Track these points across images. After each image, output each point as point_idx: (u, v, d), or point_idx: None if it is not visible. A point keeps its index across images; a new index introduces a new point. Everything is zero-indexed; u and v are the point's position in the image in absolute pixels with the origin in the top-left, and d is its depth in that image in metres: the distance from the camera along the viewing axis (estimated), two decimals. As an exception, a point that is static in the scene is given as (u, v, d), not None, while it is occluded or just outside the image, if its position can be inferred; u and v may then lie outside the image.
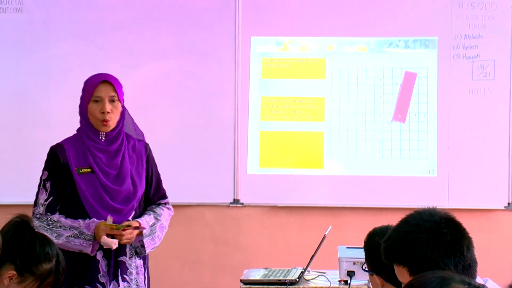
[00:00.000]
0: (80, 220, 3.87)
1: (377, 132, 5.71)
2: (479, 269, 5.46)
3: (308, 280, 4.29)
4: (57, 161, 3.93)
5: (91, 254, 3.86)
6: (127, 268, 3.96)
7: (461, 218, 5.92)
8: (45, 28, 5.73)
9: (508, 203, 5.61)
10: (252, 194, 5.74)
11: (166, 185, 5.73)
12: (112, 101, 3.95)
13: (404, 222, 2.23)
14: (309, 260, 4.33)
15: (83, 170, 3.91)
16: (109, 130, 3.96)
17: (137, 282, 3.98)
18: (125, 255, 3.96)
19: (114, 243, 3.84)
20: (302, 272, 4.31)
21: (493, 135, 5.60)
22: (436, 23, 5.66)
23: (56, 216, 3.89)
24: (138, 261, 4.01)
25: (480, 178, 5.59)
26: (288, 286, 4.17)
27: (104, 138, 3.97)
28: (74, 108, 5.67)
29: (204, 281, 5.80)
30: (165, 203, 4.15)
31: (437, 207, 2.30)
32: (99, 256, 3.90)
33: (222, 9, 5.72)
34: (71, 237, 3.84)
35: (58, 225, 3.88)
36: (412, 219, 2.23)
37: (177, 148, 5.74)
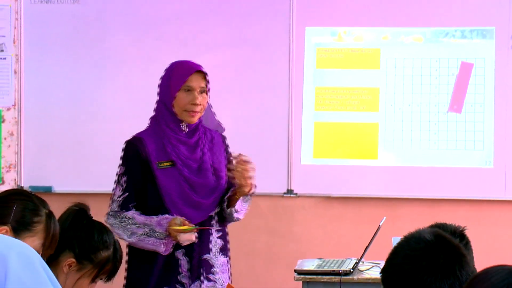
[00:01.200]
0: (153, 216, 3.62)
1: (432, 123, 5.66)
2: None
3: (362, 271, 4.29)
4: (137, 155, 3.68)
5: (164, 253, 3.62)
6: (212, 267, 3.74)
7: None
8: (100, 20, 5.78)
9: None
10: (306, 184, 5.73)
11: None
12: (201, 92, 3.75)
13: (394, 253, 2.19)
14: (363, 251, 4.32)
15: (163, 164, 3.67)
16: (194, 122, 3.74)
17: (222, 282, 3.77)
18: (209, 253, 3.74)
19: (193, 236, 3.60)
20: (356, 263, 4.31)
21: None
22: (494, 12, 5.59)
23: (130, 213, 3.65)
24: (222, 259, 3.81)
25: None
26: (342, 277, 4.17)
27: (186, 130, 3.76)
28: (129, 99, 5.75)
29: (257, 271, 5.81)
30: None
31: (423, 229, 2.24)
32: (179, 255, 3.67)
33: (277, 0, 5.72)
34: (143, 235, 3.59)
35: (132, 222, 3.63)
36: (401, 249, 2.19)
37: (231, 138, 5.74)
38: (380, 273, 2.20)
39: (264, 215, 5.80)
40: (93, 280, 2.88)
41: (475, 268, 2.17)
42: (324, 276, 4.21)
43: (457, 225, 2.84)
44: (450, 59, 5.66)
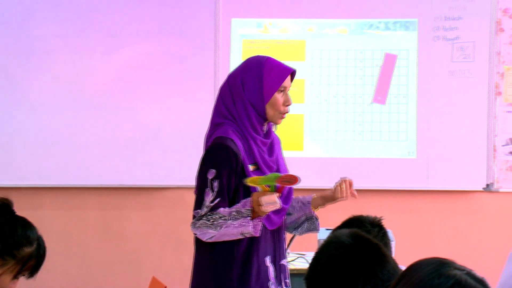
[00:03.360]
0: (237, 204, 3.37)
1: (357, 114, 5.73)
2: (460, 249, 5.47)
3: (288, 262, 4.30)
4: (233, 157, 3.36)
5: (254, 234, 3.34)
6: (287, 271, 3.57)
7: (440, 200, 5.97)
8: (25, 9, 5.69)
9: (487, 184, 5.64)
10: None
11: (147, 167, 5.74)
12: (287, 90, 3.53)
13: (316, 259, 2.20)
14: (288, 242, 4.35)
15: (252, 167, 3.41)
16: (280, 123, 3.52)
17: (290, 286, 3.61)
18: (285, 258, 3.56)
19: (275, 201, 3.27)
20: (282, 254, 4.31)
21: (472, 117, 5.63)
22: (416, 4, 5.67)
23: (216, 210, 3.36)
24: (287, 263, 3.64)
25: (459, 159, 5.62)
26: (268, 268, 4.17)
27: (265, 131, 3.51)
28: (55, 89, 5.68)
29: (185, 262, 5.80)
30: None
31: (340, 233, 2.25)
32: (268, 262, 3.45)
33: (202, -9, 5.71)
34: (229, 221, 3.32)
35: (218, 216, 3.35)
36: (322, 255, 2.20)
37: (159, 130, 5.73)
38: (304, 279, 2.21)
39: (190, 206, 5.76)
40: (16, 276, 2.84)
41: (396, 264, 2.19)
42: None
43: (373, 216, 2.86)
44: (374, 50, 5.72)
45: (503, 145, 5.65)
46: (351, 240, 2.16)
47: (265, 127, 3.47)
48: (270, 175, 3.31)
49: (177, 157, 5.71)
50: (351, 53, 5.73)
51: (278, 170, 3.50)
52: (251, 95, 3.44)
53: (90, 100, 5.69)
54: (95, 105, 5.70)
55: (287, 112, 3.49)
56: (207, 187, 3.36)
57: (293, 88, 5.68)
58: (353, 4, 5.70)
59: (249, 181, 3.30)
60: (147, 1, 5.70)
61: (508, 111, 5.64)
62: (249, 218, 3.31)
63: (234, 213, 3.33)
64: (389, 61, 5.70)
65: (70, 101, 5.69)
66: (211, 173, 3.36)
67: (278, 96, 3.45)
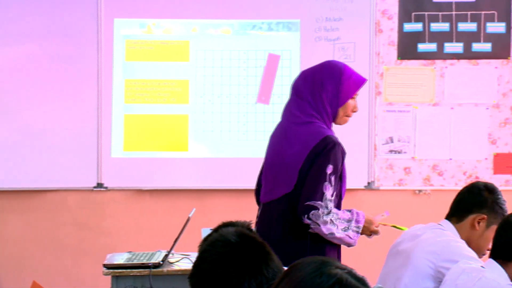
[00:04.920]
0: (347, 212, 3.78)
1: (241, 114, 5.75)
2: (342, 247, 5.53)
3: (172, 263, 4.29)
4: (344, 154, 3.78)
5: (354, 245, 3.78)
6: None
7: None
8: None
9: (368, 183, 5.75)
10: (116, 177, 5.69)
11: (27, 169, 5.62)
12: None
13: (201, 258, 2.21)
14: (173, 243, 4.33)
15: None
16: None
17: None
18: None
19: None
20: (166, 255, 4.30)
21: (354, 117, 5.69)
22: (299, 5, 5.73)
23: (334, 209, 3.72)
24: None
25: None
26: (152, 269, 4.15)
27: None
28: None
29: (67, 266, 5.71)
30: None
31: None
32: None
33: (84, -10, 5.63)
34: (348, 230, 3.73)
35: (336, 217, 3.70)
36: (208, 253, 2.21)
37: (39, 131, 5.62)
38: (188, 278, 2.20)
39: (73, 209, 5.70)
40: None
41: (280, 262, 2.21)
42: (134, 270, 4.17)
43: (244, 221, 2.88)
44: (258, 51, 5.76)
45: (383, 144, 5.77)
46: (237, 239, 2.17)
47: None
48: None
49: (59, 159, 5.62)
50: (234, 54, 5.75)
51: None
52: (329, 96, 3.76)
53: (-32, 101, 5.55)
54: (-27, 107, 5.55)
55: (350, 116, 3.85)
56: (326, 181, 3.67)
57: (177, 89, 5.71)
58: (236, 4, 5.72)
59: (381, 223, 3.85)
60: (27, 1, 5.59)
61: (388, 111, 5.77)
62: (359, 234, 3.74)
63: (347, 224, 3.71)
64: (273, 61, 5.75)
65: None
66: (330, 168, 3.68)
67: (351, 102, 3.80)
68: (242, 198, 5.72)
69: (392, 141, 5.77)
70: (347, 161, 5.61)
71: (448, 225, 3.46)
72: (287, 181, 3.75)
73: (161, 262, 4.20)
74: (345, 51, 5.72)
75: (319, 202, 3.65)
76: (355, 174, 5.71)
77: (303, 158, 3.71)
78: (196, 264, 2.18)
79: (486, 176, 5.67)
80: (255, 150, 5.73)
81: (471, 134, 5.75)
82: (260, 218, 3.92)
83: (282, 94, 5.74)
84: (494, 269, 3.06)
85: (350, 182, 5.67)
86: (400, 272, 3.41)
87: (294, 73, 5.73)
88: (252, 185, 5.71)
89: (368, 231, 3.80)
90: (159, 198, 5.74)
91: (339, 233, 3.69)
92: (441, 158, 5.73)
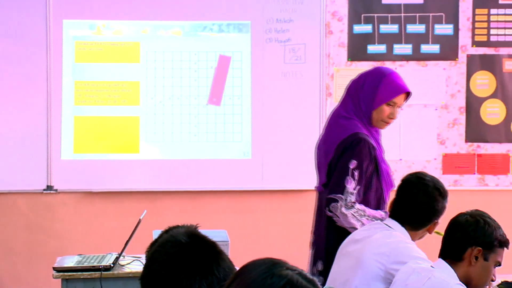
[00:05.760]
0: (380, 211, 3.86)
1: (192, 115, 5.74)
2: (295, 247, 5.57)
3: (123, 266, 4.27)
4: (372, 150, 3.87)
5: None
6: None
7: (275, 199, 6.06)
8: None
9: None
10: (67, 180, 5.64)
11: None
12: (398, 106, 3.95)
13: (151, 259, 2.21)
14: (124, 245, 4.31)
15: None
16: (383, 128, 4.00)
17: None
18: None
19: None
20: (117, 258, 4.28)
21: (304, 117, 5.75)
22: (249, 7, 5.74)
23: (361, 206, 3.84)
24: None
25: (292, 159, 5.73)
26: (103, 272, 4.13)
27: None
28: None
29: (17, 270, 5.65)
30: None
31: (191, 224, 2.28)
32: None
33: (33, -9, 5.58)
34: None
35: (362, 213, 3.83)
36: (158, 254, 2.21)
37: (-13, 134, 5.56)
38: (139, 279, 2.19)
39: (23, 212, 5.64)
40: None
41: (231, 263, 2.21)
42: (84, 272, 4.15)
43: (190, 225, 2.88)
44: (209, 52, 5.75)
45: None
46: (188, 239, 2.16)
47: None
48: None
49: (8, 161, 5.56)
50: (185, 55, 5.74)
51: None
52: (365, 97, 3.91)
53: None
54: None
55: (389, 123, 3.94)
56: (348, 175, 3.83)
57: (127, 90, 5.68)
58: (186, 6, 5.71)
59: None
60: (-25, 2, 5.52)
61: (339, 111, 5.80)
62: None
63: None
64: (223, 63, 5.75)
65: None
66: (353, 164, 3.82)
67: (386, 108, 3.90)
68: (194, 200, 5.72)
69: (342, 142, 5.80)
70: (300, 162, 5.68)
71: (397, 225, 3.48)
72: (322, 173, 3.99)
73: (111, 265, 4.18)
74: (295, 53, 5.74)
75: (339, 195, 3.82)
76: (305, 175, 5.74)
77: (332, 152, 3.90)
78: (147, 266, 2.18)
79: (435, 175, 5.72)
80: (207, 151, 5.73)
81: (421, 135, 5.81)
82: (315, 206, 4.14)
83: (233, 96, 5.75)
84: (444, 269, 3.10)
85: (300, 183, 5.76)
86: (350, 274, 3.43)
87: (244, 74, 5.74)
88: (204, 186, 5.73)
89: None
90: (110, 200, 5.71)
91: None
92: (391, 158, 5.76)
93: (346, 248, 3.57)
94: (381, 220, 3.72)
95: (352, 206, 3.82)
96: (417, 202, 3.48)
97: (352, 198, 3.82)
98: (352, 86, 4.01)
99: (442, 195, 3.50)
